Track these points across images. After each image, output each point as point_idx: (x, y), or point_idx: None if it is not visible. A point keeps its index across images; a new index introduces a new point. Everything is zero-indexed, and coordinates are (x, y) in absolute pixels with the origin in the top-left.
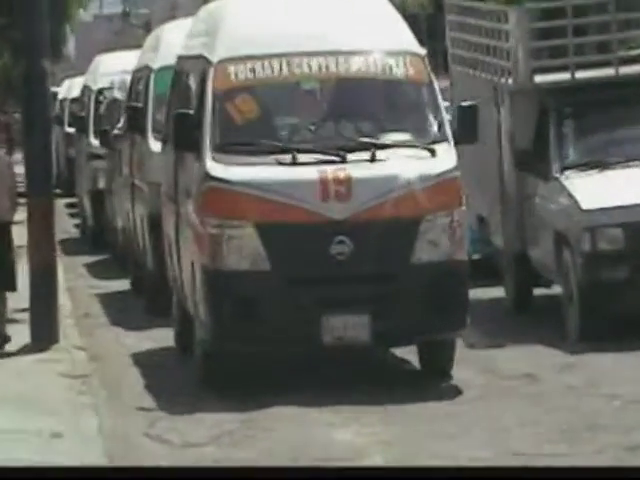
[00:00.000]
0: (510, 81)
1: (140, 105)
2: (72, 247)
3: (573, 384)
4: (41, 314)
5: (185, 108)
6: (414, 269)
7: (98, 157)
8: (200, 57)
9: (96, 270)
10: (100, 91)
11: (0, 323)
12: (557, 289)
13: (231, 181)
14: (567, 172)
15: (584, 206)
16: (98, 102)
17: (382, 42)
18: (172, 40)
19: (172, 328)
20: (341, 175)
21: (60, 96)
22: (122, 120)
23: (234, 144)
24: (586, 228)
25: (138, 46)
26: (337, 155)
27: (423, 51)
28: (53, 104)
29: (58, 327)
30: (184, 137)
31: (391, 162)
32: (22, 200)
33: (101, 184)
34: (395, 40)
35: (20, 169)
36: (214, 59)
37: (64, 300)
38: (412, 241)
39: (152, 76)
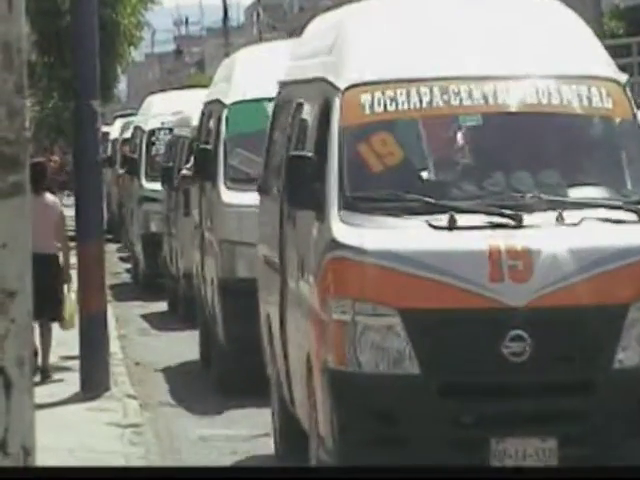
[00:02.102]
0: None
1: (210, 147)
2: (123, 293)
3: None
4: (92, 361)
5: (298, 149)
6: (618, 376)
7: (151, 200)
8: (319, 81)
9: (150, 317)
10: (152, 132)
11: (45, 357)
12: None
13: (366, 251)
14: None
15: None
16: (150, 143)
17: (569, 65)
18: (249, 69)
19: (272, 435)
20: (517, 245)
21: (112, 136)
22: (191, 160)
23: (370, 200)
24: None
25: (191, 85)
26: (510, 217)
27: (624, 77)
28: (104, 145)
29: (109, 375)
30: (299, 189)
31: (585, 227)
32: (73, 244)
33: (154, 228)
34: (586, 63)
35: (72, 212)
36: (341, 84)
37: (115, 347)
38: (616, 337)
39: (224, 113)
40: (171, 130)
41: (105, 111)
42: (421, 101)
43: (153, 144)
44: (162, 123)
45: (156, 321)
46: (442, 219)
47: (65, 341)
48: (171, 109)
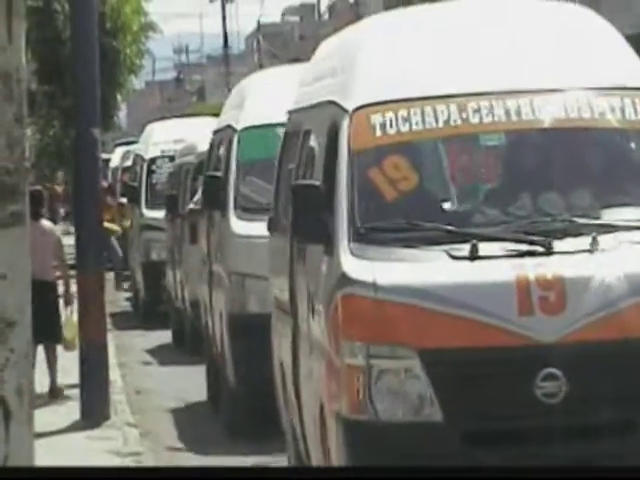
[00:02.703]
0: None
1: (220, 174)
2: (124, 321)
3: None
4: (92, 390)
5: (305, 178)
6: None
7: (151, 228)
8: (328, 104)
9: (154, 351)
10: (152, 160)
11: (53, 378)
12: None
13: (380, 286)
14: None
15: None
16: (150, 172)
17: (599, 75)
18: (261, 94)
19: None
20: (548, 274)
21: (112, 164)
22: (198, 192)
23: (383, 230)
24: None
25: (191, 114)
26: (539, 244)
27: None
28: (105, 173)
29: (109, 404)
30: (306, 220)
31: (622, 253)
32: (72, 272)
33: (155, 256)
34: (618, 73)
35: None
36: (349, 105)
37: (115, 376)
38: None
39: (235, 139)
40: (172, 158)
41: (106, 139)
42: (437, 120)
43: (153, 172)
44: (162, 151)
45: (160, 355)
46: (463, 248)
47: (65, 369)
48: (172, 137)
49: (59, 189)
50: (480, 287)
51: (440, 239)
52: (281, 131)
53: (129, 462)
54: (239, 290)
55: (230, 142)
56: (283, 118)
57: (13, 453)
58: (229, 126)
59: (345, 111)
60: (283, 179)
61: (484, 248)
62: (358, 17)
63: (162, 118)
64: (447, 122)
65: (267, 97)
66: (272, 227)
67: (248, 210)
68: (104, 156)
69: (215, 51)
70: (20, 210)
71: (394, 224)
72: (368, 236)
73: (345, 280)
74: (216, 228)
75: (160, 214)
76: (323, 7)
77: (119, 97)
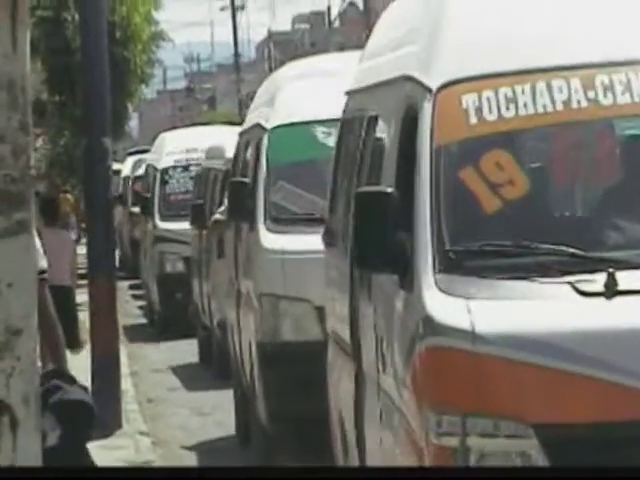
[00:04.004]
0: None
1: (247, 180)
2: (138, 334)
3: None
4: (103, 399)
5: (371, 182)
6: None
7: (165, 240)
8: (400, 81)
9: (179, 371)
10: (165, 170)
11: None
12: None
13: (480, 335)
14: None
15: None
16: (164, 182)
17: None
18: (295, 88)
19: None
20: None
21: (123, 174)
22: (224, 201)
23: (481, 255)
24: None
25: (202, 123)
26: None
27: None
28: (116, 182)
29: (121, 413)
30: (373, 241)
31: None
32: (83, 282)
33: (169, 268)
34: None
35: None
36: (433, 81)
37: (127, 385)
38: None
39: (265, 139)
40: (185, 168)
41: (117, 148)
42: (554, 101)
43: (166, 183)
44: (175, 161)
45: (186, 377)
46: (595, 280)
47: (78, 379)
48: (185, 147)
49: (69, 198)
50: (622, 337)
51: (562, 266)
52: (318, 130)
53: None
54: (271, 314)
55: (259, 143)
56: (321, 115)
57: (20, 462)
58: (258, 125)
59: (426, 89)
60: (340, 179)
61: (624, 279)
62: (368, 24)
63: (174, 127)
64: (568, 103)
65: (302, 91)
66: (328, 239)
67: (280, 221)
68: (115, 166)
69: (226, 60)
70: (26, 218)
71: (497, 246)
72: (461, 263)
73: (430, 326)
74: (243, 242)
75: (174, 225)
76: (333, 15)
77: (130, 106)
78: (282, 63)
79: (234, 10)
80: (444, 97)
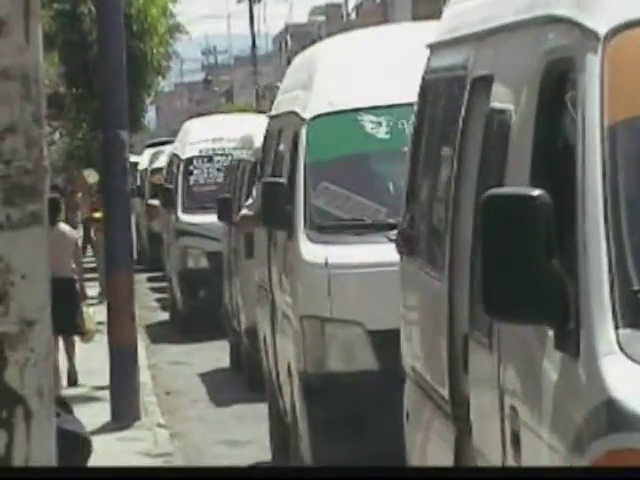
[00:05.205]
0: None
1: (282, 180)
2: (160, 333)
3: None
4: (122, 392)
5: (486, 174)
6: None
7: (188, 234)
8: (546, 23)
9: (208, 378)
10: (189, 160)
11: (71, 365)
12: None
13: None
14: None
15: None
16: (188, 172)
17: None
18: (338, 68)
19: None
20: None
21: (141, 167)
22: (253, 194)
23: None
24: None
25: (219, 113)
26: None
27: None
28: (133, 175)
29: (139, 405)
30: (513, 275)
31: None
32: (93, 275)
33: (191, 264)
34: None
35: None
36: (599, 25)
37: (145, 377)
38: None
39: (303, 132)
40: (210, 158)
41: (134, 141)
42: None
43: (191, 173)
44: (200, 151)
45: (217, 388)
46: None
47: (96, 371)
48: (210, 136)
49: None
50: None
51: None
52: (366, 119)
53: (160, 463)
54: (315, 341)
55: (296, 135)
56: (370, 100)
57: (34, 453)
58: (293, 113)
59: (590, 35)
60: (425, 169)
61: None
62: (385, 16)
63: (199, 115)
64: None
65: (347, 71)
66: (405, 247)
67: (323, 229)
68: (132, 158)
69: (243, 52)
70: (39, 210)
71: None
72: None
73: (616, 416)
74: (279, 251)
75: (198, 219)
76: (350, 7)
77: (147, 99)
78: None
79: (251, 2)
80: (619, 46)
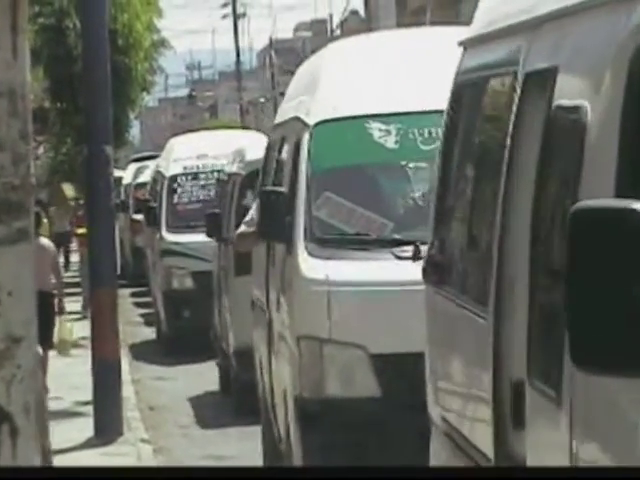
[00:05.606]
0: None
1: (283, 190)
2: (144, 353)
3: None
4: (105, 407)
5: (552, 189)
6: None
7: (173, 253)
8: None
9: (193, 400)
10: (174, 178)
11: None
12: None
13: None
14: None
15: None
16: (172, 190)
17: None
18: (344, 71)
19: None
20: None
21: (125, 181)
22: (251, 211)
23: None
24: None
25: (204, 128)
26: None
27: None
28: (117, 190)
29: (122, 420)
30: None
31: None
32: (78, 290)
33: (176, 284)
34: None
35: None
36: None
37: (128, 392)
38: None
39: (306, 138)
40: (195, 176)
41: (118, 156)
42: None
43: (175, 191)
44: (184, 168)
45: (205, 413)
46: None
47: (79, 386)
48: (195, 153)
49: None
50: None
51: None
52: (373, 126)
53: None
54: (312, 363)
55: (298, 142)
56: (378, 107)
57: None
58: (296, 119)
59: None
60: (463, 180)
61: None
62: (370, 32)
63: (183, 130)
64: None
65: (354, 76)
66: (434, 275)
67: (325, 242)
68: (116, 173)
69: (227, 67)
70: (26, 226)
71: None
72: None
73: None
74: (277, 267)
75: (182, 238)
76: (335, 23)
77: (131, 114)
78: (284, 71)
79: (235, 18)
80: None
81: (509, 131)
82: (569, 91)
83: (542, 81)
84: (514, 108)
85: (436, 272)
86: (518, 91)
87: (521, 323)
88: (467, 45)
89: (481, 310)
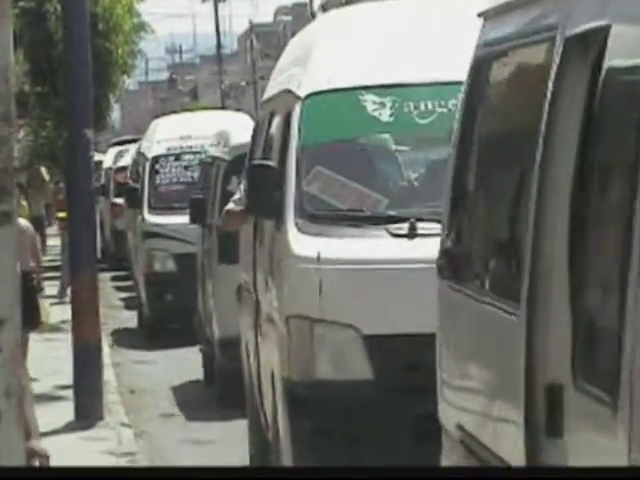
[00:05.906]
0: None
1: (272, 163)
2: (126, 337)
3: None
4: (85, 391)
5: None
6: None
7: (155, 235)
8: None
9: (175, 389)
10: (156, 159)
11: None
12: None
13: None
14: None
15: None
16: (154, 172)
17: None
18: (338, 42)
19: None
20: None
21: (105, 165)
22: (241, 187)
23: None
24: None
25: (185, 112)
26: None
27: None
28: (98, 173)
29: (103, 404)
30: None
31: None
32: (56, 274)
33: (158, 267)
34: None
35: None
36: None
37: (109, 376)
38: None
39: (297, 111)
40: (178, 157)
41: (98, 140)
42: None
43: (157, 172)
44: (167, 149)
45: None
46: None
47: (59, 370)
48: (178, 133)
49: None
50: None
51: None
52: (366, 98)
53: (123, 462)
54: (301, 344)
55: (289, 115)
56: (371, 78)
57: (3, 455)
58: (287, 91)
59: None
60: (485, 163)
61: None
62: None
63: (164, 114)
64: None
65: (347, 47)
66: (449, 270)
67: (316, 219)
68: (97, 157)
69: (208, 51)
70: (9, 210)
71: None
72: None
73: None
74: (266, 245)
75: (165, 219)
76: (316, 6)
77: (112, 98)
78: (264, 55)
79: (216, 1)
80: None
81: (546, 105)
82: (625, 51)
83: (588, 45)
84: (552, 77)
85: (453, 266)
86: (557, 59)
87: (562, 320)
88: (488, 15)
89: (510, 307)
